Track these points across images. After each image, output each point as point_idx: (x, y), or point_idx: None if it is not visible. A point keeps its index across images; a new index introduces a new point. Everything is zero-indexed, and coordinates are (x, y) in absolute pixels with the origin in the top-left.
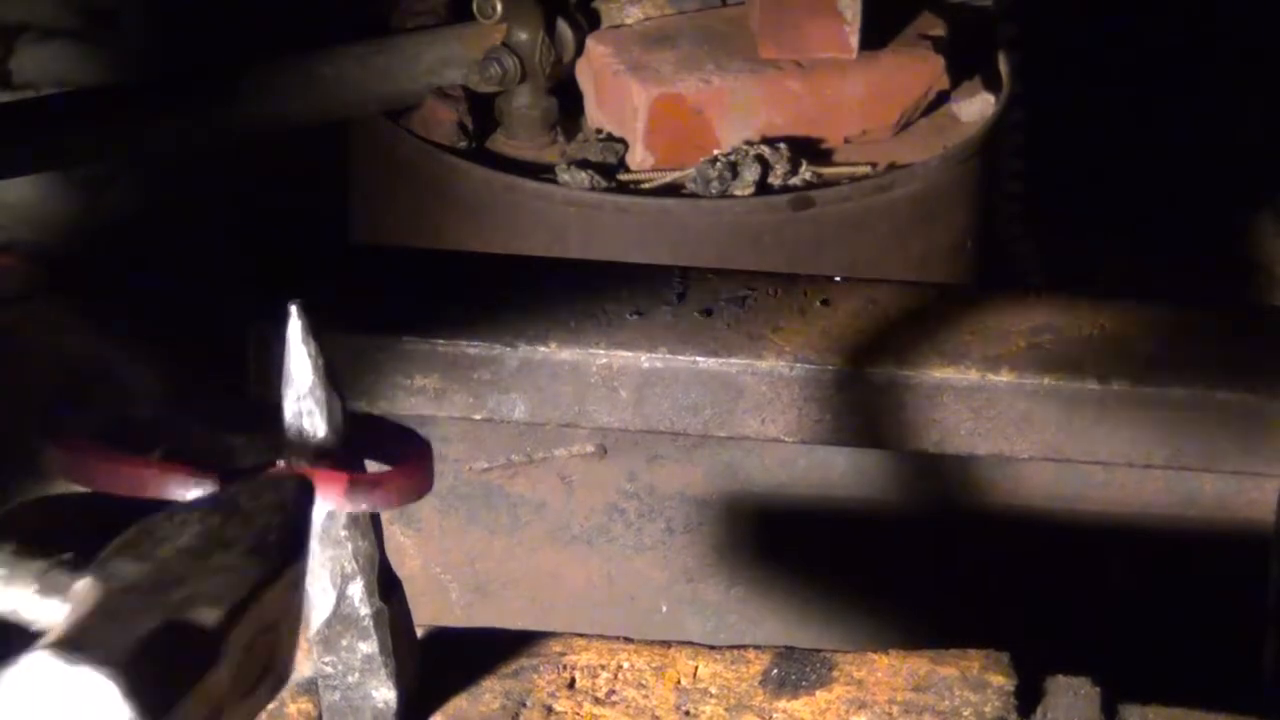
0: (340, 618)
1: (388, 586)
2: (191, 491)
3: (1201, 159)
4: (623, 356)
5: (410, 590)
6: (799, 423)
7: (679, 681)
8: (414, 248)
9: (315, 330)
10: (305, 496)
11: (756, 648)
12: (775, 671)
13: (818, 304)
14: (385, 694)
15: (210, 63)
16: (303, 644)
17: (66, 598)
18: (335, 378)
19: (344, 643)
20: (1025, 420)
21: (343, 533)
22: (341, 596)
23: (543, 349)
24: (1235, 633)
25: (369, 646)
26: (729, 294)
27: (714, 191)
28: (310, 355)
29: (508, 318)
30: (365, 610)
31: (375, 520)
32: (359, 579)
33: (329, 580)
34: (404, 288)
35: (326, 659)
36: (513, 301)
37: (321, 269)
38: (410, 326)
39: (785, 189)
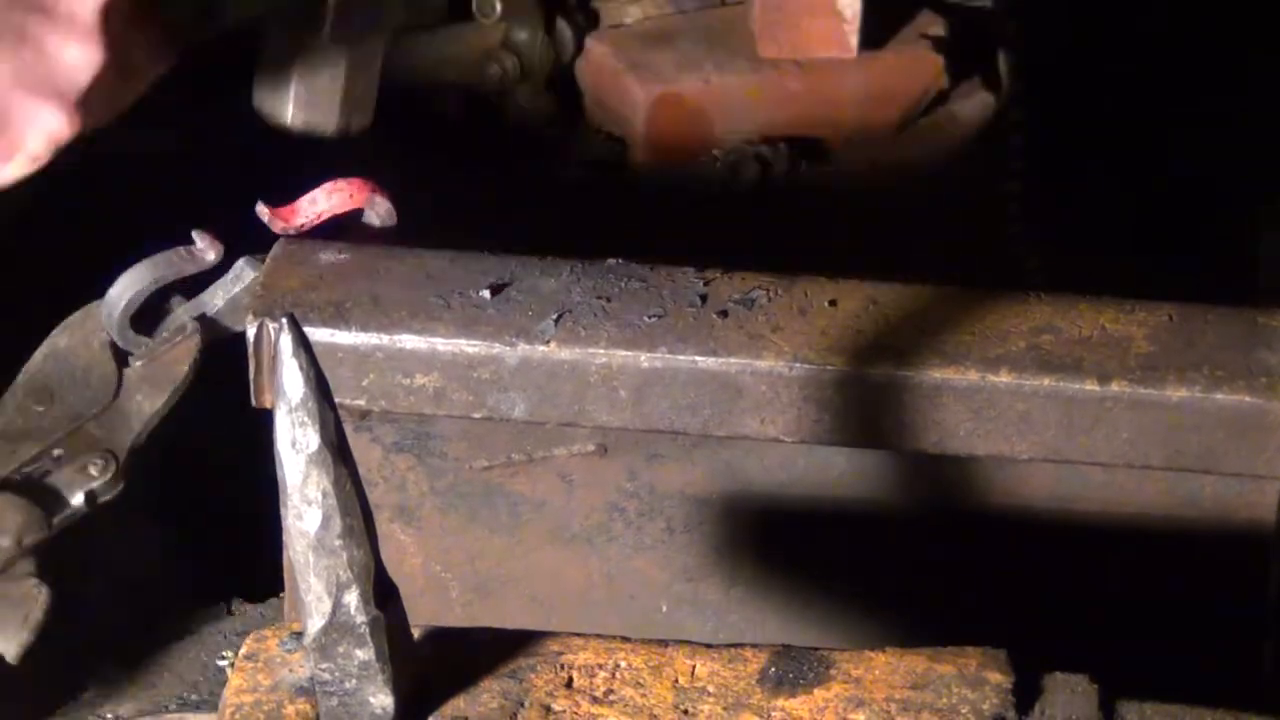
0: (336, 626)
1: (384, 594)
2: None
3: (1202, 158)
4: (622, 356)
5: (410, 589)
6: (799, 422)
7: (677, 680)
8: (413, 246)
9: (307, 342)
10: None
11: (754, 646)
12: (773, 670)
13: (817, 304)
14: (382, 700)
15: (208, 63)
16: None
17: None
18: (327, 388)
19: (340, 650)
20: (1025, 421)
21: (337, 542)
22: (337, 605)
23: (542, 348)
24: (1235, 634)
25: (365, 654)
26: (740, 295)
27: (714, 191)
28: (302, 367)
29: (507, 316)
30: (361, 618)
31: (370, 528)
32: (354, 587)
33: (324, 588)
34: (404, 285)
35: (323, 665)
36: (512, 300)
37: (321, 266)
38: (410, 325)
39: (785, 189)
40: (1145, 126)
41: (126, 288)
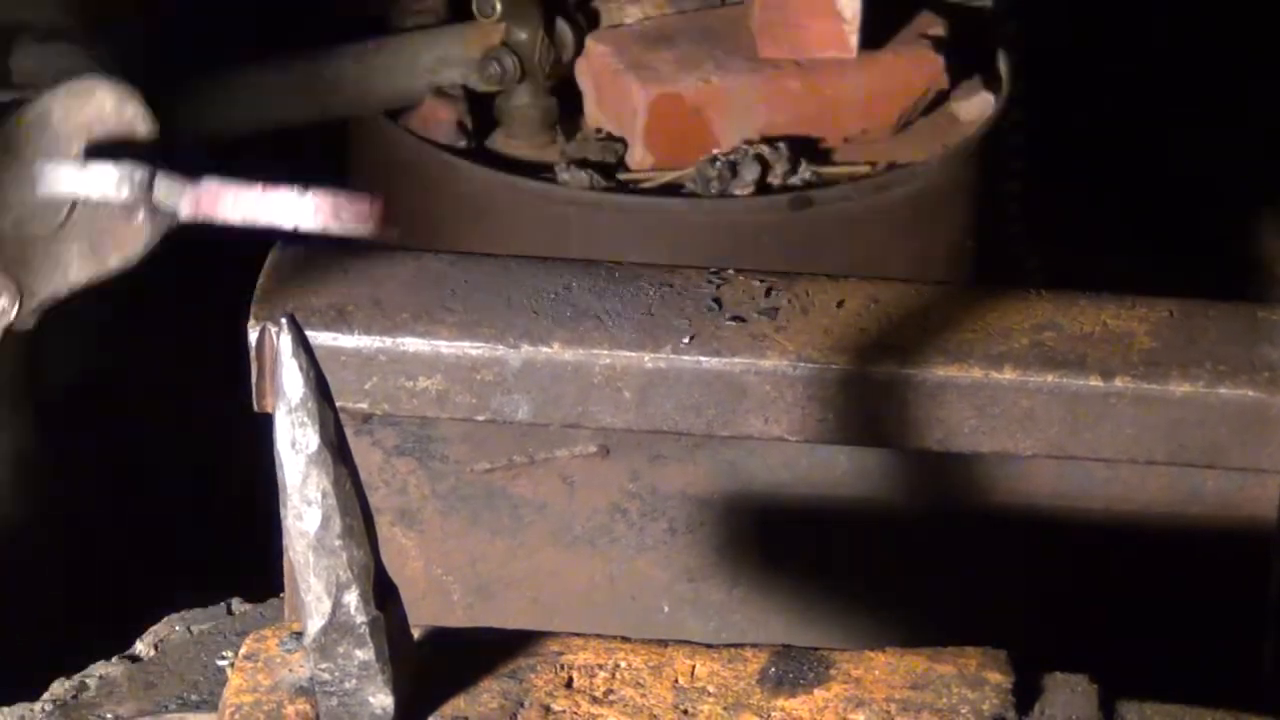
0: (336, 626)
1: (383, 594)
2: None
3: (1202, 158)
4: (626, 356)
5: (412, 592)
6: (802, 422)
7: (676, 680)
8: (415, 248)
9: (306, 342)
10: None
11: (754, 646)
12: (773, 670)
13: (820, 303)
14: (382, 700)
15: (210, 63)
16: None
17: None
18: (327, 389)
19: (340, 650)
20: (1028, 418)
21: (337, 542)
22: (337, 605)
23: (546, 349)
24: (1236, 630)
25: (365, 654)
26: (751, 298)
27: (713, 191)
28: (302, 368)
29: (510, 318)
30: (361, 618)
31: (370, 529)
32: (354, 587)
33: (324, 588)
34: (406, 288)
35: (323, 665)
36: (515, 301)
37: (322, 269)
38: (413, 327)
39: (785, 189)
40: (1145, 126)
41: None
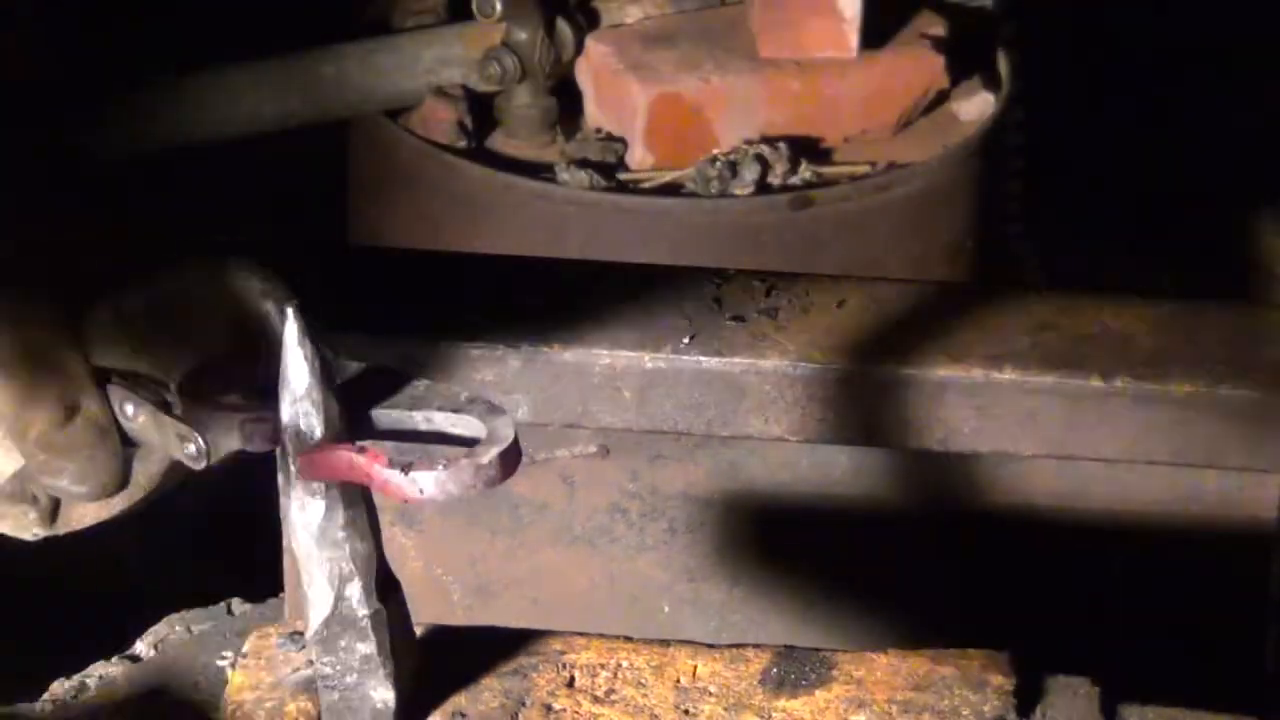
0: (338, 619)
1: (386, 587)
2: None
3: (1201, 158)
4: (626, 356)
5: (411, 591)
6: (802, 422)
7: (678, 680)
8: (415, 249)
9: (311, 333)
10: None
11: (756, 647)
12: (774, 671)
13: (820, 303)
14: (383, 694)
15: (211, 61)
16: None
17: None
18: (332, 379)
19: (342, 643)
20: (1029, 418)
21: (340, 534)
22: (340, 598)
23: (545, 349)
24: (1236, 631)
25: (367, 647)
26: (751, 298)
27: (713, 191)
28: (307, 358)
29: (510, 318)
30: (363, 611)
31: (373, 521)
32: (356, 580)
33: (327, 581)
34: (405, 289)
35: (325, 659)
36: (515, 302)
37: (322, 270)
38: (412, 328)
39: (785, 188)
40: (1145, 126)
41: None
